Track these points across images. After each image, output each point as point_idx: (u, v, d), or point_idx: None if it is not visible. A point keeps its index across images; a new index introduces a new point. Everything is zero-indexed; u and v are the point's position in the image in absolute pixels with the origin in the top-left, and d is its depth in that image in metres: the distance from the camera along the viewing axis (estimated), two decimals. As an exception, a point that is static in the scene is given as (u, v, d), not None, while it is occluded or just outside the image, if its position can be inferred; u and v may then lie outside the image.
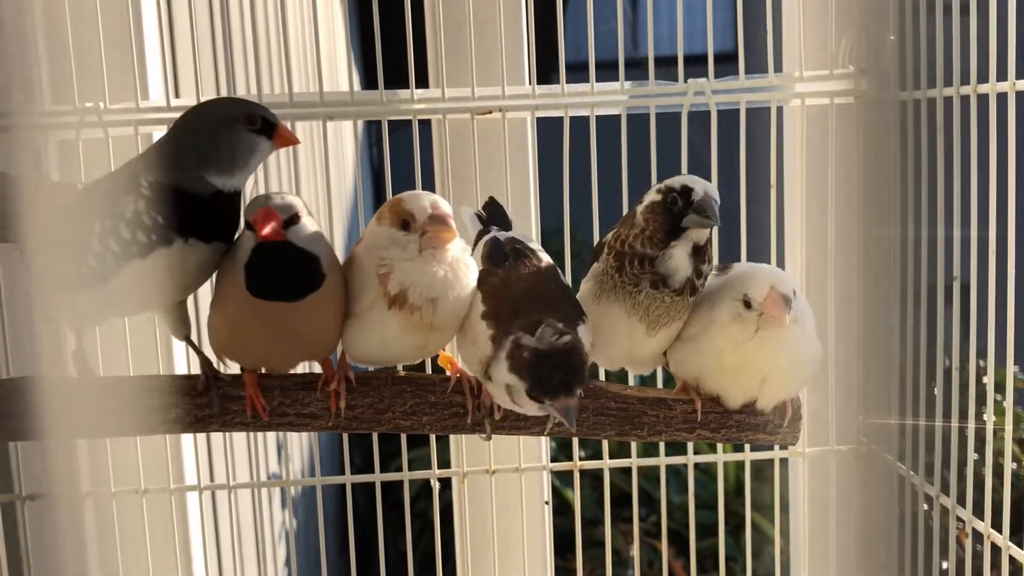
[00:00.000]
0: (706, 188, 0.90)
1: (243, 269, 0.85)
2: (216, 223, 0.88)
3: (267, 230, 0.82)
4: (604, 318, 0.94)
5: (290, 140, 0.91)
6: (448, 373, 0.95)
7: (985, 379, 1.04)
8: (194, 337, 0.97)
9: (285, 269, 0.85)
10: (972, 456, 1.05)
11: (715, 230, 0.95)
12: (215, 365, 0.96)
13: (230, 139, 0.87)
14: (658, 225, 0.91)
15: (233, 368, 0.95)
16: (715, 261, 0.96)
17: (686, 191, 0.90)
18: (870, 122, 1.14)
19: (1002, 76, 0.95)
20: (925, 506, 1.09)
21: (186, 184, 0.86)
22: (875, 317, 1.17)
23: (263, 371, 0.93)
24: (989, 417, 1.05)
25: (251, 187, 0.98)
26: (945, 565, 1.06)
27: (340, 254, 0.95)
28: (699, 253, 0.92)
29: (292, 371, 0.96)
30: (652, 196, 0.92)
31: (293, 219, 0.84)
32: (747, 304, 0.91)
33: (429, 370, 1.07)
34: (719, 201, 0.90)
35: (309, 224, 0.86)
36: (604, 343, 0.96)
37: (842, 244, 1.17)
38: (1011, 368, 0.99)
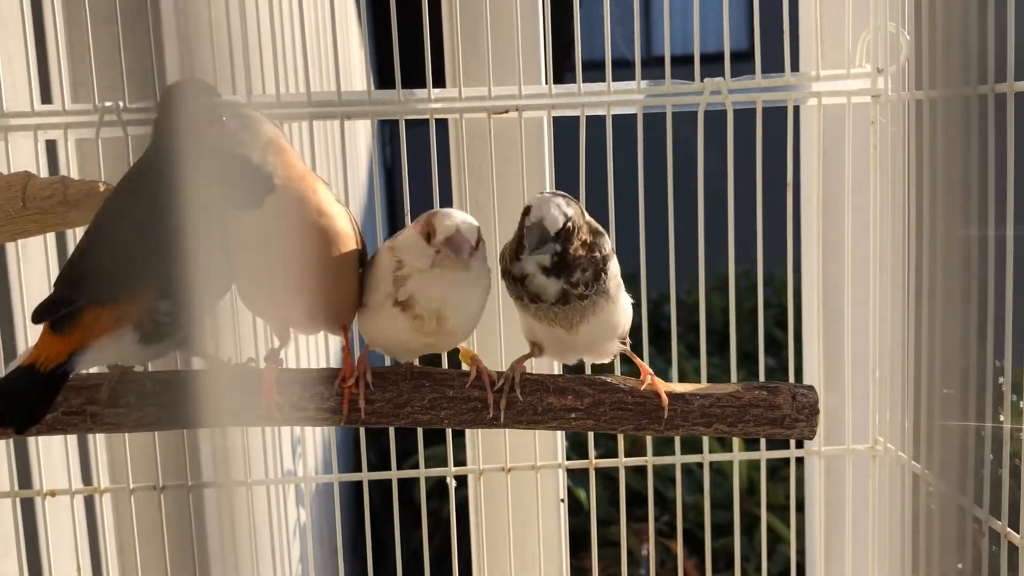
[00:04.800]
0: (542, 214, 0.88)
1: None
2: None
3: None
4: (527, 323, 0.97)
5: None
6: (466, 368, 0.96)
7: (1002, 379, 1.04)
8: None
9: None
10: (988, 456, 1.05)
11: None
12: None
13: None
14: (514, 242, 0.91)
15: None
16: (612, 271, 0.94)
17: (526, 211, 0.89)
18: (887, 120, 1.14)
19: (1020, 76, 0.95)
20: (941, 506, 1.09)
21: None
22: (891, 316, 1.17)
23: (284, 366, 0.94)
24: (1007, 417, 1.04)
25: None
26: (961, 565, 1.06)
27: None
28: (559, 268, 0.90)
29: (314, 367, 0.96)
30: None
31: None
32: None
33: (446, 364, 1.08)
34: (552, 229, 0.87)
35: (242, 125, 0.85)
36: (541, 342, 0.98)
37: (858, 243, 1.17)
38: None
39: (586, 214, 0.93)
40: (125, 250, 0.85)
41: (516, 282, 0.92)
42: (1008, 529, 0.99)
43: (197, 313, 0.83)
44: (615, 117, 1.13)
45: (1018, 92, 0.96)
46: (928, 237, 1.07)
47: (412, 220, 1.12)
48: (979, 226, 0.98)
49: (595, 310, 0.93)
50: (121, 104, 1.07)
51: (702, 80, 1.12)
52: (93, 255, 0.88)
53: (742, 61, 1.15)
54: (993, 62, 0.96)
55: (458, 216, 0.89)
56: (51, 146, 1.12)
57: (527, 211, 0.89)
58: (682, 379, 1.06)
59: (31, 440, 1.11)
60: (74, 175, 1.06)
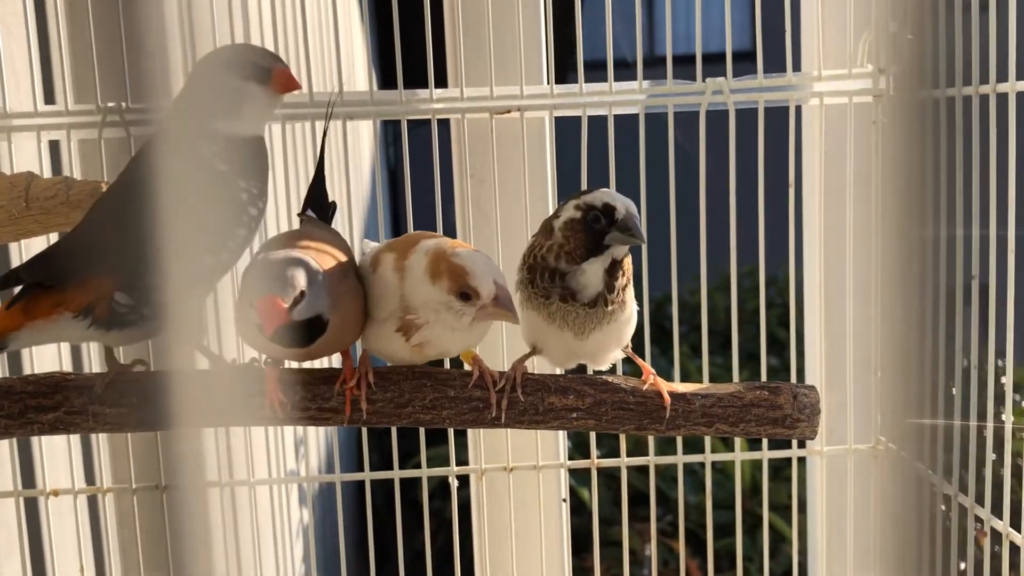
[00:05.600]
0: (627, 205, 0.90)
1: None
2: (247, 166, 0.89)
3: (270, 331, 0.81)
4: (532, 325, 0.96)
5: (290, 85, 0.90)
6: (467, 367, 0.96)
7: (1004, 379, 1.04)
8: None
9: (288, 335, 0.84)
10: (990, 456, 1.05)
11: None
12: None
13: (221, 87, 0.87)
14: (579, 242, 0.91)
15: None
16: (630, 276, 0.96)
17: (608, 209, 0.90)
18: (888, 120, 1.14)
19: (1022, 75, 0.95)
20: (943, 506, 1.09)
21: (204, 135, 0.88)
22: (893, 316, 1.16)
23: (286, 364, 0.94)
24: (1008, 417, 1.04)
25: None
26: (963, 566, 1.06)
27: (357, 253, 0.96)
28: (614, 268, 0.92)
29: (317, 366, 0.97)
30: (571, 212, 0.91)
31: (298, 299, 0.82)
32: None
33: (448, 364, 1.08)
34: (638, 217, 0.91)
35: (314, 290, 0.84)
36: (544, 345, 0.98)
37: (860, 243, 1.17)
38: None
39: None
40: (84, 239, 0.86)
41: (552, 279, 0.92)
42: (1010, 529, 0.99)
43: (164, 309, 0.83)
44: (617, 117, 1.13)
45: (1019, 92, 0.96)
46: (930, 237, 1.07)
47: (414, 222, 1.13)
48: (980, 227, 0.98)
49: (611, 319, 0.94)
50: (124, 104, 1.08)
51: (704, 80, 1.12)
52: (60, 241, 0.90)
53: (744, 61, 1.15)
54: (994, 62, 0.96)
55: (482, 264, 0.87)
56: (54, 147, 1.13)
57: (607, 208, 0.89)
58: (685, 379, 1.06)
59: (34, 440, 1.12)
60: (77, 176, 1.06)
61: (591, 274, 0.91)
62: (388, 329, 0.90)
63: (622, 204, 0.90)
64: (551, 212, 1.18)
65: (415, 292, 0.88)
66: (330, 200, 1.04)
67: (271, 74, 0.89)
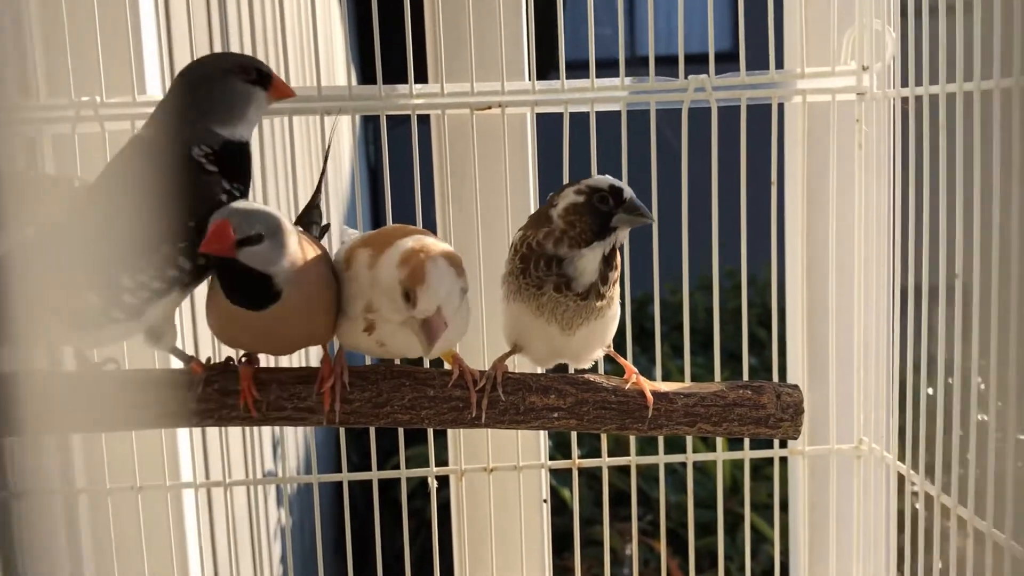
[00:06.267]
0: (625, 186, 0.91)
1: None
2: (235, 169, 0.89)
3: (208, 247, 0.81)
4: (517, 319, 0.95)
5: (286, 92, 0.92)
6: (447, 366, 0.95)
7: (981, 382, 1.04)
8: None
9: (235, 284, 0.84)
10: (972, 456, 1.04)
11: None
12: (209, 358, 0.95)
13: (226, 90, 0.89)
14: (585, 225, 0.90)
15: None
16: (620, 271, 0.96)
17: (616, 190, 0.90)
18: (872, 119, 1.14)
19: (1007, 73, 0.95)
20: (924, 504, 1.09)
21: (198, 138, 0.87)
22: (875, 315, 1.16)
23: (260, 363, 0.92)
24: (991, 416, 1.04)
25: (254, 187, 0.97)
26: (940, 565, 1.05)
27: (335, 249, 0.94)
28: (611, 257, 0.92)
29: (292, 365, 0.95)
30: (572, 198, 0.91)
31: (253, 239, 0.82)
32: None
33: (427, 363, 1.07)
34: None
35: (273, 244, 0.83)
36: (527, 343, 0.97)
37: (843, 242, 1.17)
38: (1012, 367, 0.98)
39: None
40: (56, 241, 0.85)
41: (548, 266, 0.91)
42: (993, 529, 0.99)
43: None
44: (599, 114, 1.12)
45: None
46: (913, 236, 1.07)
47: (394, 219, 1.11)
48: (965, 225, 0.98)
49: (599, 314, 0.93)
50: (98, 99, 1.06)
51: (686, 77, 1.12)
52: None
53: (727, 62, 1.14)
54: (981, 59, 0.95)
55: (442, 287, 0.83)
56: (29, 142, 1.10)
57: (613, 189, 0.90)
58: (667, 378, 1.06)
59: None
60: (50, 171, 1.05)
61: (590, 259, 0.91)
62: (358, 327, 0.89)
63: (623, 186, 0.91)
64: (532, 209, 1.18)
65: (379, 281, 0.86)
66: (324, 223, 1.04)
67: (272, 80, 0.91)
